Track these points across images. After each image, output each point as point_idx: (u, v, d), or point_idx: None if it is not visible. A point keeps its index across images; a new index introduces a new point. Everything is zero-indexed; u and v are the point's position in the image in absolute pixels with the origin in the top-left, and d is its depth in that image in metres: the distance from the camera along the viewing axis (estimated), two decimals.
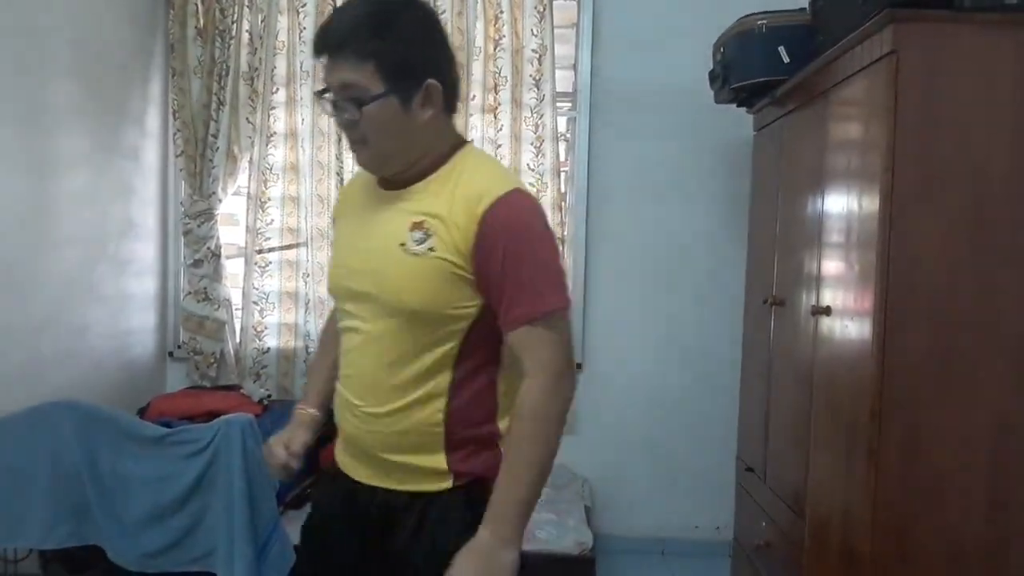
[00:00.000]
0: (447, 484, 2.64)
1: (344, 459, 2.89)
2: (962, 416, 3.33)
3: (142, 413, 5.41)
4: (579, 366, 6.26)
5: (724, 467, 5.76)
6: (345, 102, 2.50)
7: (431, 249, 2.48)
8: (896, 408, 3.34)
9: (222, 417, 4.35)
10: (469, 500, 2.62)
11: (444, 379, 2.59)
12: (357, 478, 2.80)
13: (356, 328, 2.66)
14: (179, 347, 6.56)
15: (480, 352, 2.62)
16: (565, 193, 6.40)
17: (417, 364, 2.57)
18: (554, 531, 5.04)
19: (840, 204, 3.77)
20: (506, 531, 2.46)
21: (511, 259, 2.45)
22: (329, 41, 2.49)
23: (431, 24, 2.60)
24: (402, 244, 2.51)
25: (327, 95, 2.56)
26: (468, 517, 2.56)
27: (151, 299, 6.35)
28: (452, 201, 2.51)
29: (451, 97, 2.61)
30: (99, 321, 5.58)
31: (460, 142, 2.70)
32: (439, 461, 2.63)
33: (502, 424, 2.65)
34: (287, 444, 3.03)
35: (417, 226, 2.51)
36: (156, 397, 5.74)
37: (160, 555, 4.29)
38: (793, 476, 4.35)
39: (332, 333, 2.99)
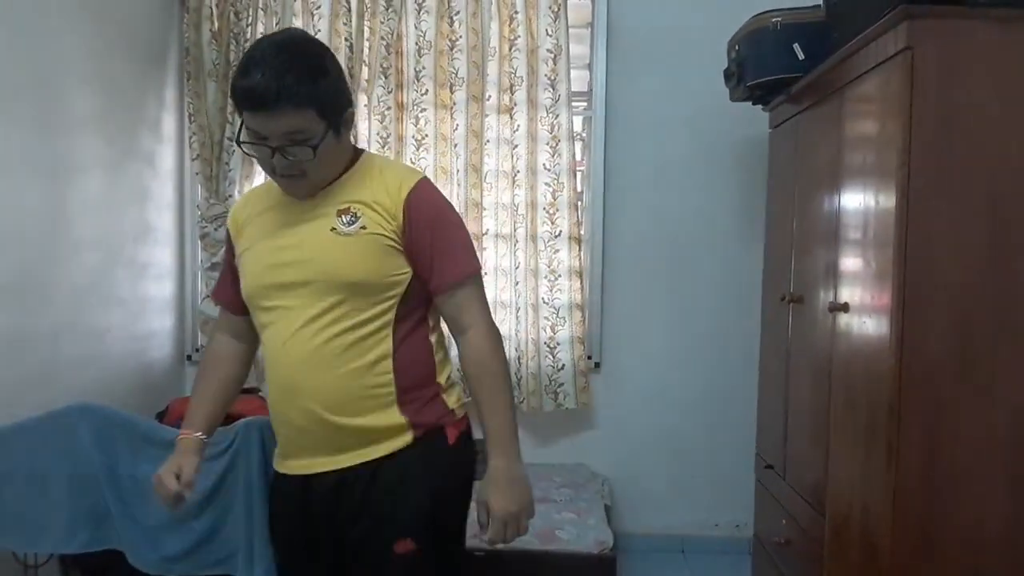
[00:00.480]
0: (408, 438, 2.96)
1: (290, 462, 3.08)
2: (981, 411, 3.33)
3: (161, 417, 5.41)
4: (597, 365, 6.31)
5: (743, 465, 5.75)
6: (293, 147, 2.74)
7: (363, 227, 2.86)
8: (915, 404, 3.33)
9: (241, 420, 4.35)
10: (424, 452, 2.97)
11: (387, 343, 2.92)
12: (308, 471, 3.00)
13: (289, 317, 2.91)
14: (197, 350, 6.59)
15: (413, 315, 3.00)
16: (581, 192, 6.41)
17: (360, 331, 2.88)
18: (575, 531, 5.04)
19: (856, 201, 3.77)
20: (514, 453, 2.91)
21: (439, 231, 2.93)
22: (267, 97, 2.65)
23: (336, 61, 2.90)
24: (332, 229, 2.87)
25: (263, 143, 2.76)
26: (421, 469, 2.96)
27: (169, 303, 6.37)
28: (374, 189, 2.90)
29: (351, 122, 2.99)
30: (117, 325, 5.60)
31: (359, 150, 3.09)
32: (395, 416, 2.93)
33: (441, 378, 3.07)
34: (178, 473, 3.10)
35: (343, 212, 2.89)
36: (175, 400, 5.74)
37: (181, 559, 4.29)
38: (813, 473, 4.35)
39: (218, 357, 3.31)
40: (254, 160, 6.05)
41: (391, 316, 2.92)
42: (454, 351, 3.09)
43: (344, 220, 2.87)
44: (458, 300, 2.97)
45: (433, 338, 3.08)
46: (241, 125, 2.79)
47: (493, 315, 3.07)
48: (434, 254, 2.92)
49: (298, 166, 2.78)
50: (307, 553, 3.11)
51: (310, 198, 2.92)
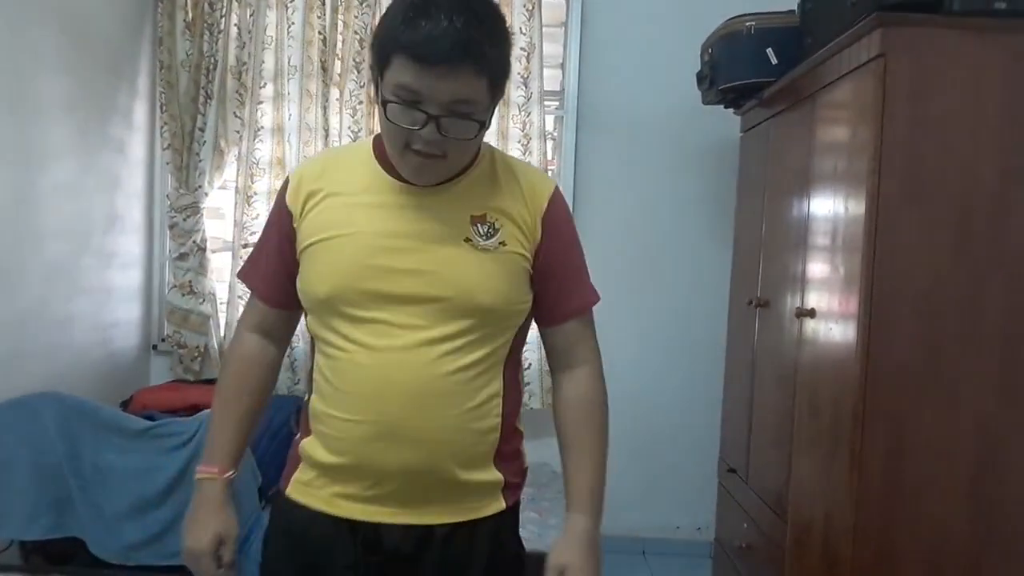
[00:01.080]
0: (501, 505, 2.55)
1: (347, 504, 2.47)
2: (945, 420, 3.34)
3: (125, 406, 5.41)
4: None
5: (706, 468, 5.76)
6: (453, 119, 2.21)
7: (502, 243, 2.38)
8: (879, 411, 3.35)
9: (205, 411, 4.35)
10: (514, 521, 2.65)
11: (497, 381, 2.48)
12: (377, 519, 2.45)
13: (394, 336, 2.34)
14: (163, 340, 6.56)
15: (518, 350, 2.59)
16: None
17: (481, 366, 2.41)
18: (536, 529, 5.02)
19: (826, 207, 3.78)
20: (599, 516, 2.50)
21: (572, 253, 2.55)
22: (460, 48, 2.13)
23: None
24: (467, 239, 2.36)
25: (418, 107, 2.19)
26: (513, 542, 2.64)
27: (136, 292, 6.34)
28: (511, 195, 2.44)
29: None
30: (83, 313, 5.56)
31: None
32: (495, 477, 2.52)
33: (521, 425, 2.66)
34: (220, 551, 2.55)
35: (479, 220, 2.38)
36: (139, 390, 5.74)
37: (142, 548, 4.29)
38: (775, 478, 4.36)
39: (252, 363, 2.64)
40: (225, 151, 6.08)
41: (507, 350, 2.49)
42: None
43: (481, 231, 2.37)
44: (577, 332, 2.55)
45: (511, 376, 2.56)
46: (379, 80, 2.26)
47: None
48: (564, 279, 2.51)
49: (443, 145, 2.23)
50: None
51: (430, 191, 2.39)
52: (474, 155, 2.43)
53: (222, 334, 6.46)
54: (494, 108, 2.34)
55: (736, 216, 5.43)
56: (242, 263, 2.82)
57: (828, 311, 3.72)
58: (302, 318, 2.62)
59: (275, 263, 2.53)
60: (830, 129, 3.85)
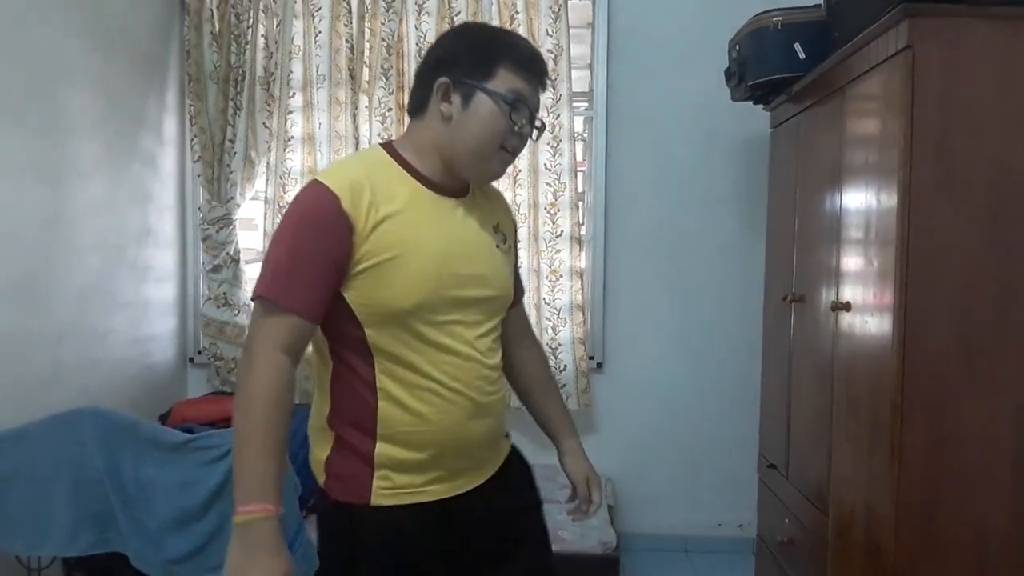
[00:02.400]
0: (509, 444, 3.05)
1: (442, 485, 2.70)
2: (984, 410, 3.33)
3: (164, 419, 5.44)
4: (599, 365, 6.30)
5: (746, 464, 5.76)
6: (538, 123, 2.77)
7: (509, 246, 2.94)
8: (918, 403, 3.33)
9: None
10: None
11: (500, 353, 2.88)
12: (460, 491, 2.74)
13: (465, 334, 2.67)
14: (200, 352, 6.60)
15: None
16: (583, 193, 6.41)
17: (499, 345, 2.87)
18: (578, 531, 5.03)
19: (858, 200, 3.77)
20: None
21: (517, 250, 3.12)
22: (544, 72, 2.75)
23: None
24: (497, 246, 2.83)
25: (527, 112, 2.68)
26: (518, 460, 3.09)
27: (171, 305, 6.38)
28: (499, 208, 2.99)
29: None
30: (119, 328, 5.60)
31: None
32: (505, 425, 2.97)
33: None
34: None
35: (496, 228, 2.86)
36: (178, 403, 5.77)
37: (184, 561, 4.30)
38: (816, 472, 4.35)
39: (288, 391, 2.52)
40: (255, 162, 6.09)
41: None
42: None
43: (499, 238, 2.86)
44: (523, 311, 3.23)
45: None
46: (484, 72, 2.63)
47: None
48: (516, 266, 3.05)
49: (519, 149, 2.76)
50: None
51: (459, 202, 2.73)
52: None
53: None
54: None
55: (768, 212, 5.41)
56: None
57: (863, 304, 3.70)
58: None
59: (330, 277, 2.50)
60: (860, 122, 3.84)
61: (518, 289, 3.05)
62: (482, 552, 2.82)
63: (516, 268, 3.04)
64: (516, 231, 3.08)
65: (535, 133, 2.76)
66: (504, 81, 2.60)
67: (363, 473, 2.62)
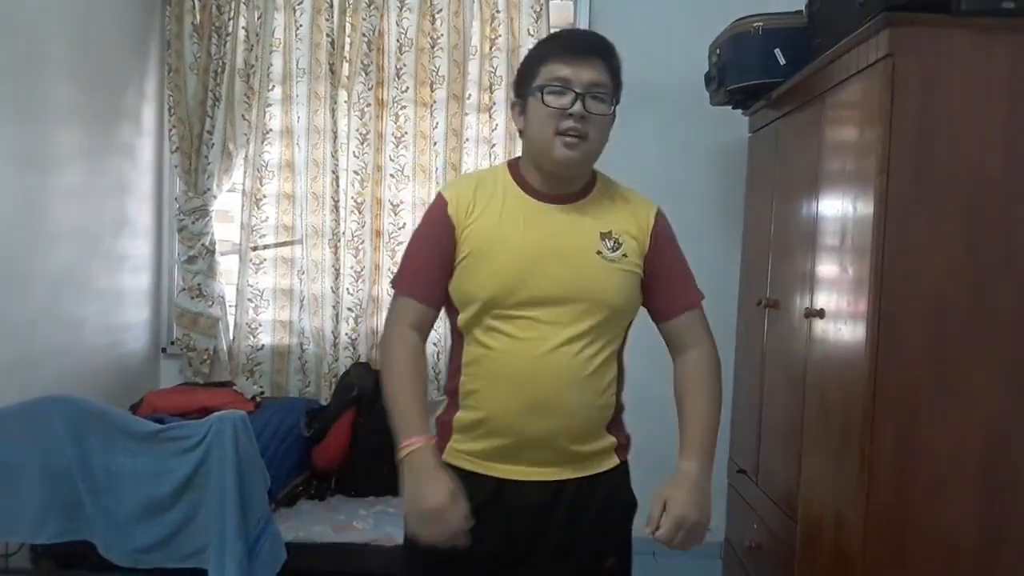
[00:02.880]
0: (616, 460, 3.16)
1: (494, 462, 2.97)
2: (955, 419, 3.33)
3: (135, 409, 5.42)
4: None
5: (716, 469, 5.74)
6: (594, 98, 2.83)
7: (625, 255, 2.96)
8: (889, 411, 3.34)
9: (215, 414, 4.36)
10: (625, 473, 3.26)
11: (614, 368, 3.09)
12: (513, 476, 2.95)
13: (542, 331, 2.86)
14: (172, 343, 6.60)
15: (625, 343, 3.18)
16: None
17: (604, 355, 2.98)
18: None
19: (835, 207, 3.78)
20: (708, 463, 3.09)
21: (676, 260, 3.18)
22: (591, 45, 2.91)
23: None
24: (599, 252, 2.91)
25: (569, 89, 2.80)
26: (625, 491, 3.24)
27: (145, 295, 6.36)
28: (627, 218, 3.04)
29: None
30: (93, 317, 5.59)
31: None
32: (609, 438, 3.13)
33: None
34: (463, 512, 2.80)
35: (607, 236, 2.95)
36: (149, 393, 5.75)
37: (152, 551, 4.30)
38: (785, 478, 4.36)
39: (418, 352, 3.00)
40: (233, 154, 6.09)
41: (620, 342, 3.12)
42: None
43: (608, 245, 2.94)
44: (689, 323, 3.15)
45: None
46: (530, 78, 2.90)
47: None
48: (673, 282, 3.13)
49: (585, 126, 2.82)
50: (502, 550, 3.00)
51: (562, 209, 2.97)
52: (592, 176, 3.10)
53: (231, 337, 6.49)
54: (616, 101, 2.96)
55: (745, 217, 5.43)
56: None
57: (837, 311, 3.72)
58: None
59: (440, 270, 2.96)
60: (838, 129, 3.85)
61: (673, 301, 3.14)
62: (517, 548, 3.00)
63: (670, 279, 3.14)
64: (652, 240, 3.07)
65: (590, 103, 2.82)
66: (545, 75, 2.84)
67: (446, 435, 3.02)
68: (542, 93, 2.81)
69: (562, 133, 2.81)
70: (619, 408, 3.21)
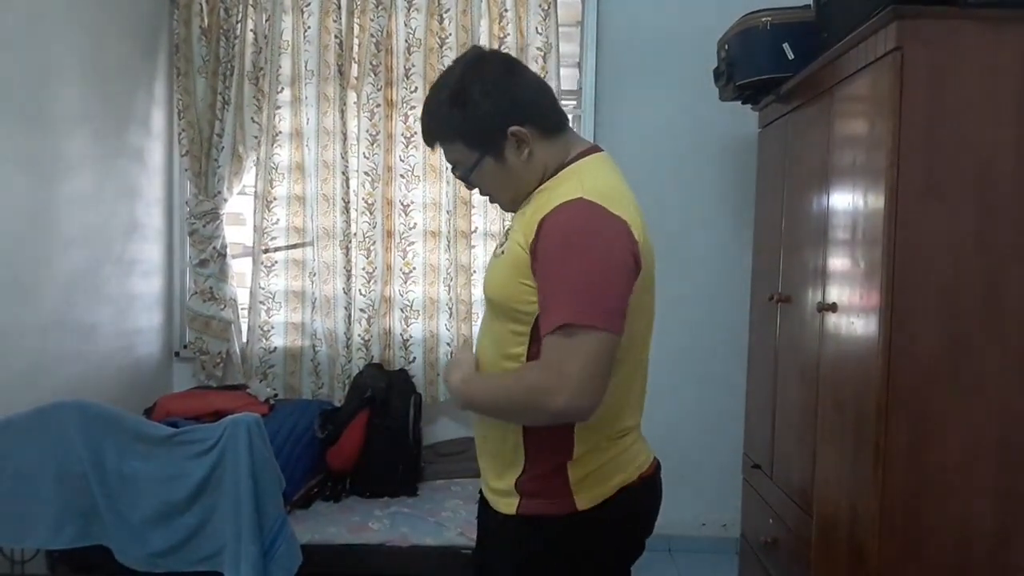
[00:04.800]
0: (510, 509, 2.72)
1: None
2: (968, 412, 3.33)
3: (149, 413, 5.42)
4: None
5: (731, 464, 5.76)
6: (459, 176, 2.83)
7: (503, 252, 2.67)
8: (902, 404, 3.34)
9: (228, 417, 4.35)
10: (526, 535, 2.72)
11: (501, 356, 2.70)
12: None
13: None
14: (185, 347, 6.60)
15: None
16: None
17: (503, 352, 2.67)
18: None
19: (846, 201, 3.77)
20: (466, 391, 2.68)
21: (546, 273, 2.49)
22: (425, 138, 2.81)
23: (501, 76, 2.70)
24: (495, 251, 2.79)
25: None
26: (518, 554, 2.74)
27: (157, 299, 6.36)
28: (528, 212, 2.63)
29: (544, 123, 2.72)
30: (105, 321, 5.59)
31: (572, 159, 2.77)
32: (508, 480, 2.72)
33: (575, 471, 2.67)
34: None
35: (507, 234, 2.72)
36: (163, 397, 5.75)
37: (167, 555, 4.30)
38: (800, 473, 4.35)
39: None
40: (243, 157, 6.10)
41: (522, 349, 2.61)
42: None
43: (500, 242, 2.77)
44: (547, 349, 2.42)
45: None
46: None
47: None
48: (542, 297, 2.50)
49: (482, 190, 2.85)
50: None
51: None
52: (534, 179, 2.74)
53: (244, 339, 6.50)
54: (487, 144, 2.69)
55: (756, 212, 5.42)
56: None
57: (850, 305, 3.71)
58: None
59: None
60: (848, 123, 3.84)
61: (542, 322, 2.49)
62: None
63: (541, 295, 2.50)
64: (524, 237, 2.54)
65: (463, 178, 2.85)
66: None
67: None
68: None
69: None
70: (538, 449, 2.69)
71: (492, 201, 2.89)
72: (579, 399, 2.38)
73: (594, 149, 2.85)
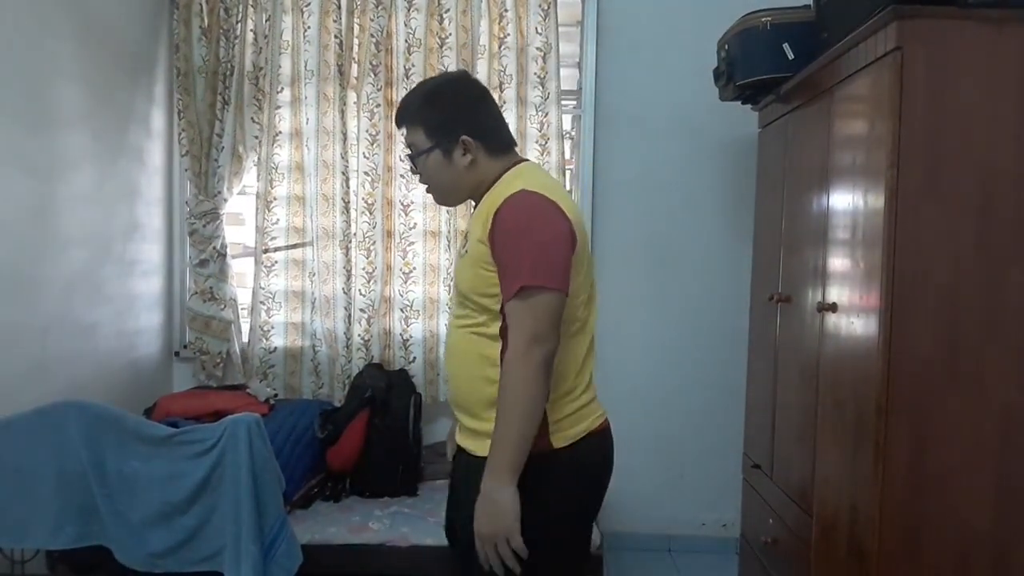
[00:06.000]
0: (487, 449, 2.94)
1: None
2: (969, 412, 3.34)
3: (149, 413, 5.42)
4: None
5: (730, 464, 5.77)
6: (410, 157, 3.27)
7: (467, 252, 3.11)
8: (902, 404, 3.34)
9: (228, 417, 4.35)
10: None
11: (495, 346, 3.04)
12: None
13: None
14: (185, 347, 6.60)
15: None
16: (570, 191, 6.39)
17: (476, 331, 3.10)
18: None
19: (846, 201, 3.77)
20: (499, 477, 2.83)
21: (503, 252, 2.94)
22: (397, 118, 3.29)
23: (473, 97, 3.26)
24: (462, 251, 3.20)
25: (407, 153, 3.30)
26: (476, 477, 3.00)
27: (157, 299, 6.36)
28: (480, 214, 3.07)
29: (492, 144, 3.18)
30: (105, 321, 5.59)
31: (505, 171, 3.19)
32: (487, 420, 3.00)
33: (552, 412, 3.05)
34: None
35: (465, 236, 3.23)
36: (163, 397, 5.75)
37: (167, 555, 4.30)
38: (800, 473, 4.35)
39: None
40: (243, 157, 6.09)
41: (497, 323, 3.04)
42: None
43: (463, 242, 3.24)
44: (508, 314, 2.93)
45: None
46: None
47: None
48: (501, 271, 2.96)
49: (421, 176, 3.27)
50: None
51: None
52: (467, 184, 3.22)
53: (244, 340, 6.50)
54: (440, 139, 3.16)
55: (756, 212, 5.42)
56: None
57: (850, 305, 3.71)
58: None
59: None
60: (848, 123, 3.85)
61: (503, 294, 2.94)
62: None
63: (501, 272, 2.96)
64: (483, 232, 2.98)
65: (412, 163, 3.29)
66: None
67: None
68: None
69: None
70: None
71: (428, 191, 3.33)
72: (544, 343, 2.87)
73: (524, 160, 3.31)
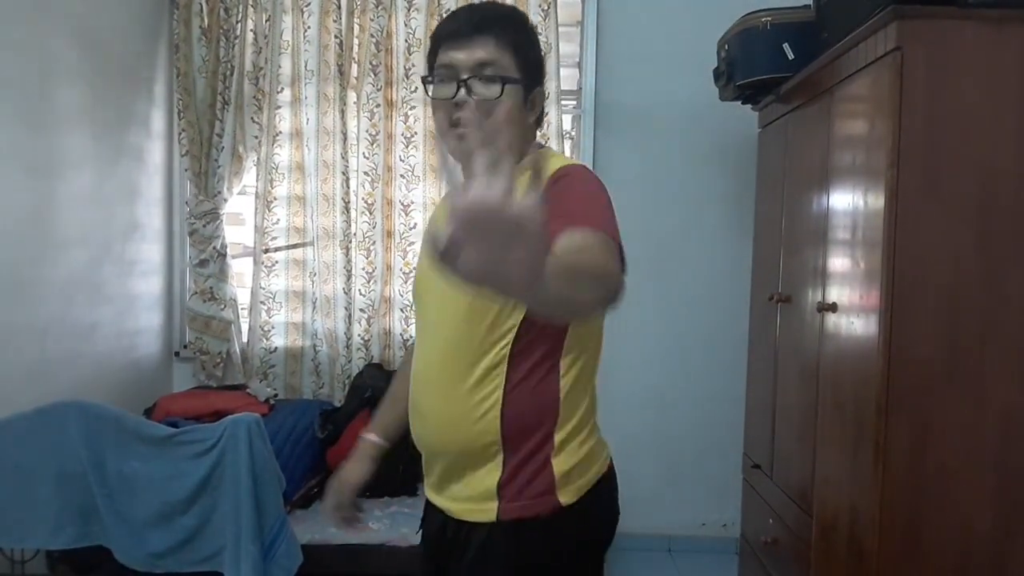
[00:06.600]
0: (489, 516, 2.46)
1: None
2: (969, 412, 3.33)
3: (149, 413, 5.42)
4: None
5: (731, 464, 5.76)
6: (481, 80, 2.40)
7: None
8: (902, 404, 3.34)
9: (228, 417, 4.35)
10: (511, 534, 2.45)
11: (500, 372, 2.45)
12: (433, 501, 2.77)
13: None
14: (185, 347, 6.61)
15: (533, 353, 2.46)
16: None
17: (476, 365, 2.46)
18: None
19: (846, 201, 3.77)
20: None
21: (561, 196, 2.14)
22: (474, 20, 2.44)
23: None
24: None
25: (451, 77, 2.42)
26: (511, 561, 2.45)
27: (157, 299, 6.36)
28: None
29: (541, 112, 2.63)
30: (105, 321, 5.59)
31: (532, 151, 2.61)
32: (485, 483, 2.48)
33: (559, 464, 2.45)
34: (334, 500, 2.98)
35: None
36: (163, 397, 5.75)
37: (167, 555, 4.30)
38: (800, 473, 4.35)
39: None
40: (243, 157, 6.08)
41: (505, 352, 2.43)
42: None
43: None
44: (582, 233, 2.00)
45: (564, 384, 2.49)
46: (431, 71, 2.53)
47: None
48: (568, 207, 2.11)
49: (481, 108, 2.39)
50: None
51: None
52: (517, 151, 2.52)
53: (244, 339, 6.50)
54: (528, 80, 2.50)
55: (756, 212, 5.42)
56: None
57: (850, 305, 3.71)
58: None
59: None
60: (848, 123, 3.84)
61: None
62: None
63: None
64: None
65: (477, 87, 2.41)
66: (438, 64, 2.49)
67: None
68: (425, 83, 2.54)
69: (454, 125, 2.43)
70: (514, 435, 2.46)
71: (460, 137, 2.41)
72: (619, 277, 2.06)
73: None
